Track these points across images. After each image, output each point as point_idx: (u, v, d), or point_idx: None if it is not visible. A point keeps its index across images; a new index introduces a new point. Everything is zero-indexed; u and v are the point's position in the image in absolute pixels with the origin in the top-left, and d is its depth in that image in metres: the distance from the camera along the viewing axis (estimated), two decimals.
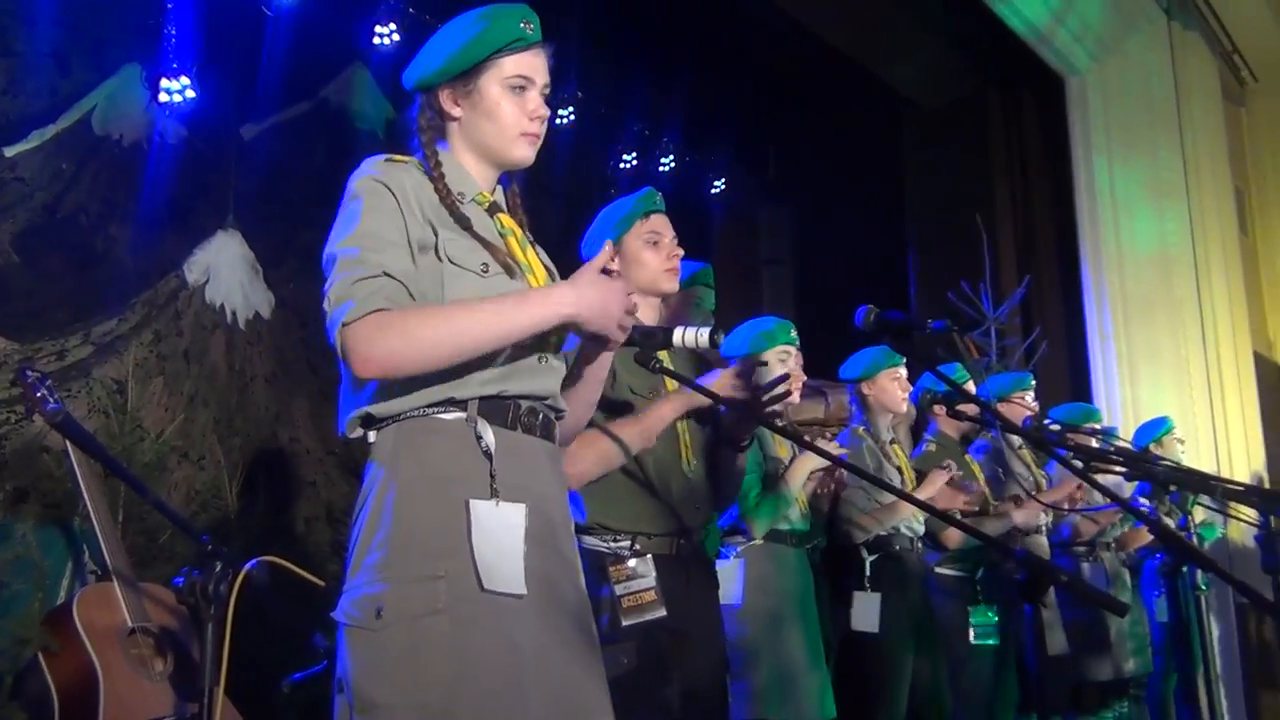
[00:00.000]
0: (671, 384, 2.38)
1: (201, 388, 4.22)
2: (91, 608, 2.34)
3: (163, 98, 4.15)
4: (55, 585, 2.44)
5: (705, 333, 1.93)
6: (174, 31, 4.11)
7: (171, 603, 2.42)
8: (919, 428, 4.69)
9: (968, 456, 4.19)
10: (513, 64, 1.80)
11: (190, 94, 4.14)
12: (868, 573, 3.50)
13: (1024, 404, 4.28)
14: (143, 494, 2.09)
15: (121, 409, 3.94)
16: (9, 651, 2.28)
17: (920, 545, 3.62)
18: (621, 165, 5.91)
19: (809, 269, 7.33)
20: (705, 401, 2.28)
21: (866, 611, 3.47)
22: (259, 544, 4.13)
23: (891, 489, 1.90)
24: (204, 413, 4.21)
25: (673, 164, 6.08)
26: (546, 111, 1.82)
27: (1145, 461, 2.43)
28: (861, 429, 3.69)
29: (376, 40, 4.79)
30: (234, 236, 4.52)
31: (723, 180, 6.49)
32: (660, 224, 2.51)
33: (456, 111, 1.81)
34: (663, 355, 2.29)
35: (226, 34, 4.41)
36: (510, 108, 1.80)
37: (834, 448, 2.89)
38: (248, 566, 1.73)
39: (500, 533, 1.60)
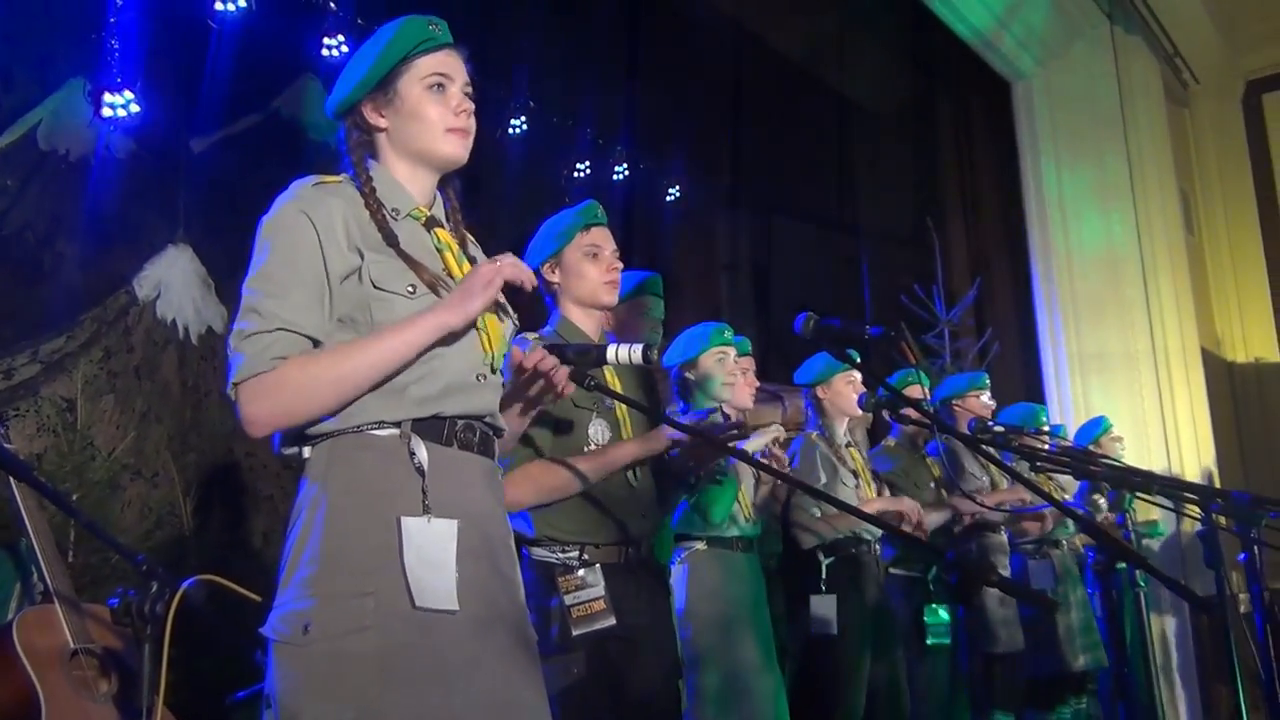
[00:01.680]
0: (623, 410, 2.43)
1: (154, 404, 4.19)
2: (32, 630, 2.32)
3: (106, 112, 4.10)
4: (2, 608, 2.42)
5: (639, 350, 1.95)
6: (117, 45, 4.08)
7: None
8: (880, 429, 4.74)
9: (927, 457, 4.24)
10: (428, 63, 1.82)
11: (135, 108, 4.11)
12: (824, 575, 3.54)
13: (981, 403, 4.34)
14: (73, 515, 2.07)
15: (71, 427, 3.90)
16: None
17: (877, 547, 3.67)
18: (575, 174, 5.92)
19: (767, 274, 7.37)
20: (661, 448, 2.32)
21: (824, 613, 3.51)
22: (215, 560, 4.11)
23: (832, 500, 1.92)
24: (157, 429, 4.18)
25: (627, 172, 6.10)
26: (471, 106, 1.84)
27: (1084, 461, 2.47)
28: (815, 434, 3.73)
29: (326, 52, 4.78)
30: (185, 251, 4.49)
31: (677, 187, 6.52)
32: (600, 236, 2.53)
33: (382, 122, 1.83)
34: (608, 371, 2.32)
35: (171, 47, 4.39)
36: (433, 106, 1.81)
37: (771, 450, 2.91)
38: (185, 585, 1.73)
39: (432, 549, 1.61)
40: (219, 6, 4.43)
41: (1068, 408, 6.10)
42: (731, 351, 3.34)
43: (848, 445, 3.80)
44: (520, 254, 2.64)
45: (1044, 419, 4.66)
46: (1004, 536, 4.31)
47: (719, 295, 7.40)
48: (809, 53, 6.26)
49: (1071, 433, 5.32)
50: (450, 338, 1.70)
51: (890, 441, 4.28)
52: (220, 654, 2.81)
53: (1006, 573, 4.26)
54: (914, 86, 6.70)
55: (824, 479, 3.58)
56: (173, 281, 4.62)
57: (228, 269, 4.58)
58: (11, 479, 2.38)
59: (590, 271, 2.49)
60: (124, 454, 4.03)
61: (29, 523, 2.41)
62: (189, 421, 4.33)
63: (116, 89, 4.13)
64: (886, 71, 6.53)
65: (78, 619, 2.38)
